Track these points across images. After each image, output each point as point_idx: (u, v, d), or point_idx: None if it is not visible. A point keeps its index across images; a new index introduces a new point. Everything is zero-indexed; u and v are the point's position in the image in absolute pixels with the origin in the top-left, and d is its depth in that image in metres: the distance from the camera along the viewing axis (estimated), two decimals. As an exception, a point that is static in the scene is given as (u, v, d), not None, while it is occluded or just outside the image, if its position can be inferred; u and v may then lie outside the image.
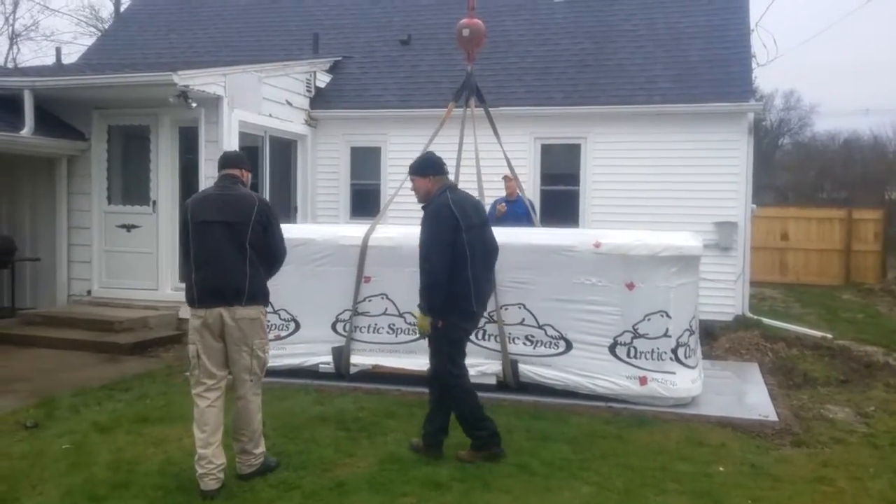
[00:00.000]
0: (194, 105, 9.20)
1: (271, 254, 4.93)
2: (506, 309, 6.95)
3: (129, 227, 10.17)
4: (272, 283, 5.04)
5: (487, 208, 9.21)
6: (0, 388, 7.14)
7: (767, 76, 30.69)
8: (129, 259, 10.12)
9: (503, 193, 9.74)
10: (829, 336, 10.07)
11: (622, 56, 11.73)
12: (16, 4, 29.05)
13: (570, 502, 4.61)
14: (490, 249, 5.42)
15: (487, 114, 8.13)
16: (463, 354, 5.30)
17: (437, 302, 5.07)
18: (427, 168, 5.31)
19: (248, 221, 4.75)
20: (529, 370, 6.89)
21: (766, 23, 42.93)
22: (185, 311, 9.21)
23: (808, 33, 50.16)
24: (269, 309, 5.77)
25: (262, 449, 4.97)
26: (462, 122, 7.95)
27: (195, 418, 4.72)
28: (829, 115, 60.06)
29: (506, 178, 9.55)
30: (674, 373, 6.61)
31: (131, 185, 10.42)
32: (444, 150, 6.25)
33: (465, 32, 7.85)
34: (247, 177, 5.10)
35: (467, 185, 7.13)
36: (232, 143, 9.65)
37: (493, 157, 8.45)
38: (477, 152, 7.88)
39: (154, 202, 10.05)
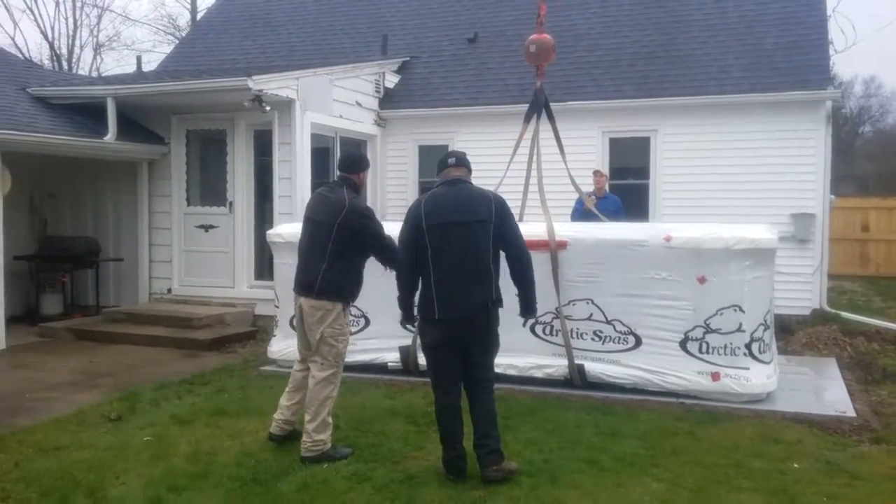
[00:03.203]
0: (268, 108, 9.45)
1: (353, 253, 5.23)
2: (574, 304, 6.92)
3: (206, 228, 10.51)
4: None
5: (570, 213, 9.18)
6: (86, 382, 7.48)
7: (846, 63, 29.63)
8: (207, 258, 10.46)
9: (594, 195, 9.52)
10: (912, 330, 9.69)
11: (693, 46, 11.50)
12: (100, 17, 30.25)
13: (640, 499, 4.56)
14: (470, 249, 4.76)
15: (555, 130, 7.87)
16: (442, 367, 4.89)
17: (400, 302, 5.02)
18: (437, 167, 5.09)
19: (333, 225, 5.14)
20: (597, 369, 6.84)
21: (843, 8, 41.25)
22: (261, 308, 9.63)
23: (888, 17, 47.94)
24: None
25: (322, 437, 5.16)
26: (533, 140, 7.79)
27: None
28: (913, 102, 57.34)
29: (596, 172, 9.48)
30: (747, 368, 6.48)
31: (209, 186, 10.77)
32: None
33: (532, 49, 7.70)
34: (362, 178, 5.47)
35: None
36: (304, 145, 9.87)
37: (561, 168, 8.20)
38: (539, 162, 7.79)
39: (231, 203, 10.35)
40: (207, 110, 10.38)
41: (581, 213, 8.94)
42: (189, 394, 6.92)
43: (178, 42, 22.64)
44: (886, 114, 39.43)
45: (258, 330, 9.61)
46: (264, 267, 9.99)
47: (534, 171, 7.80)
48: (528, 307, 4.97)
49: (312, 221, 5.32)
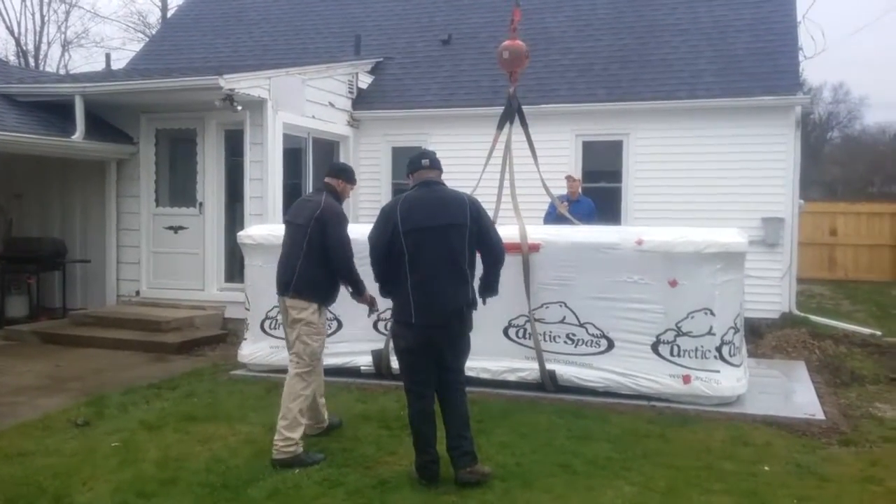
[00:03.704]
0: (239, 108, 9.36)
1: (326, 254, 5.27)
2: (547, 307, 6.93)
3: (176, 229, 10.37)
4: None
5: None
6: (52, 387, 7.35)
7: (815, 69, 30.02)
8: (176, 260, 10.33)
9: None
10: (879, 333, 9.83)
11: (665, 51, 11.60)
12: (68, 13, 29.76)
13: (612, 502, 4.57)
14: (447, 253, 4.72)
15: (528, 136, 7.83)
16: (416, 372, 4.84)
17: (380, 284, 4.94)
18: (407, 168, 5.05)
19: (308, 225, 5.28)
20: (570, 372, 6.85)
21: (813, 14, 41.90)
22: (231, 311, 9.52)
23: (856, 24, 48.84)
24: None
25: (294, 435, 5.15)
26: (506, 146, 7.77)
27: None
28: (880, 108, 58.35)
29: (569, 177, 9.50)
30: (718, 371, 6.52)
31: (178, 187, 10.64)
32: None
33: (506, 55, 7.67)
34: (344, 188, 5.65)
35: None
36: (276, 146, 9.79)
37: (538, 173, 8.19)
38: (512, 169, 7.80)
39: (200, 204, 10.23)
40: (177, 109, 10.25)
41: (553, 216, 8.97)
42: (157, 398, 6.83)
43: (148, 40, 22.33)
44: (854, 119, 40.16)
45: (228, 333, 9.51)
46: (235, 269, 9.87)
47: (507, 175, 7.79)
48: (490, 287, 4.99)
49: (292, 224, 5.48)
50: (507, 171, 7.73)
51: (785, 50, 11.06)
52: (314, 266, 5.26)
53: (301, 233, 5.30)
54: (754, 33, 11.42)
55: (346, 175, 5.72)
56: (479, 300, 4.97)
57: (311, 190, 9.16)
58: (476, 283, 4.92)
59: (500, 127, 7.86)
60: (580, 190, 9.88)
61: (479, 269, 4.97)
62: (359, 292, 5.44)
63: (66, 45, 29.51)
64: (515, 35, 7.72)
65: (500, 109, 8.05)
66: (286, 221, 5.62)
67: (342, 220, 5.38)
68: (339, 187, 5.60)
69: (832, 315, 11.23)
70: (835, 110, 39.94)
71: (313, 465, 5.10)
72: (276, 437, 5.16)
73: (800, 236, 11.04)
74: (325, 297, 5.39)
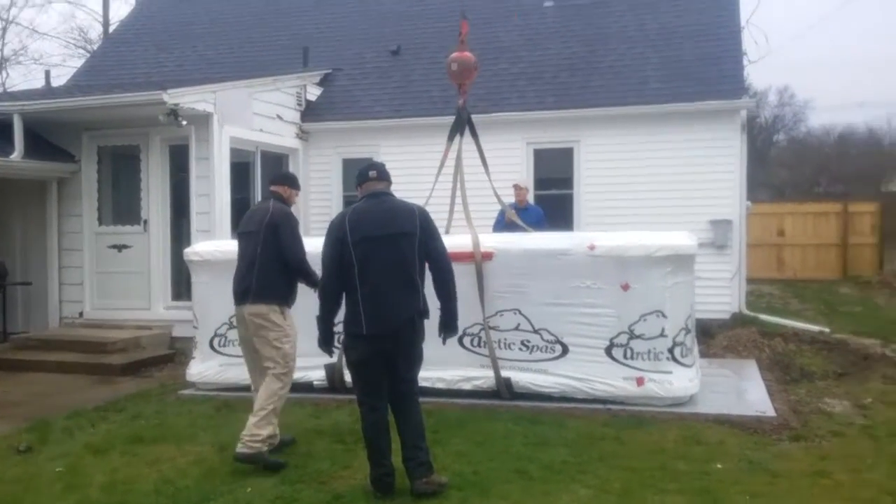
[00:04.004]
0: (184, 123, 9.19)
1: (282, 255, 5.41)
2: (501, 315, 6.91)
3: (120, 248, 10.13)
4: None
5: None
6: (-7, 412, 7.11)
7: (761, 73, 30.83)
8: (120, 280, 10.08)
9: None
10: (827, 330, 10.06)
11: (613, 58, 11.73)
12: (4, 29, 29.04)
13: (568, 506, 4.55)
14: (397, 263, 4.68)
15: (479, 147, 7.80)
16: (368, 384, 4.78)
17: (320, 322, 4.85)
18: (355, 180, 5.03)
19: (259, 231, 5.43)
20: (526, 379, 6.83)
21: (756, 20, 42.97)
22: (179, 330, 9.32)
23: (799, 29, 50.31)
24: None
25: (262, 432, 5.23)
26: (457, 158, 7.75)
27: None
28: (824, 110, 60.19)
29: (515, 185, 9.52)
30: (670, 372, 6.57)
31: (122, 205, 10.42)
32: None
33: (454, 67, 7.63)
34: (291, 195, 5.81)
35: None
36: (223, 160, 9.65)
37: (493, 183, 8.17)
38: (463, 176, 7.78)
39: (145, 221, 10.02)
40: (120, 126, 10.04)
41: (502, 225, 8.95)
42: (104, 421, 6.66)
43: (89, 55, 21.91)
44: (799, 122, 41.10)
45: (176, 353, 9.33)
46: (182, 287, 9.65)
47: (459, 186, 7.76)
48: (449, 324, 4.89)
49: (243, 235, 5.62)
50: (458, 182, 7.71)
51: (729, 55, 11.27)
52: (272, 269, 5.38)
53: (254, 240, 5.42)
54: (699, 39, 11.62)
55: (291, 181, 5.90)
56: (440, 338, 4.92)
57: (259, 203, 9.07)
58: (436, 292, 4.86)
59: (451, 139, 7.84)
60: (528, 198, 9.87)
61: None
62: (314, 284, 5.39)
63: (2, 63, 28.80)
64: (464, 46, 7.71)
65: (451, 119, 8.03)
66: (238, 234, 5.72)
67: (293, 221, 5.56)
68: (285, 193, 5.74)
69: (781, 314, 11.44)
70: (780, 113, 40.89)
71: (273, 469, 5.19)
72: (244, 432, 5.26)
73: (748, 237, 11.24)
74: (284, 298, 5.48)
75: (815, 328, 10.12)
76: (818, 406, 6.68)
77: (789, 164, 36.68)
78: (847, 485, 4.82)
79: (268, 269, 5.38)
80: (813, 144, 38.31)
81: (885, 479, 4.92)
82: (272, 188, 5.78)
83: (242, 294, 5.44)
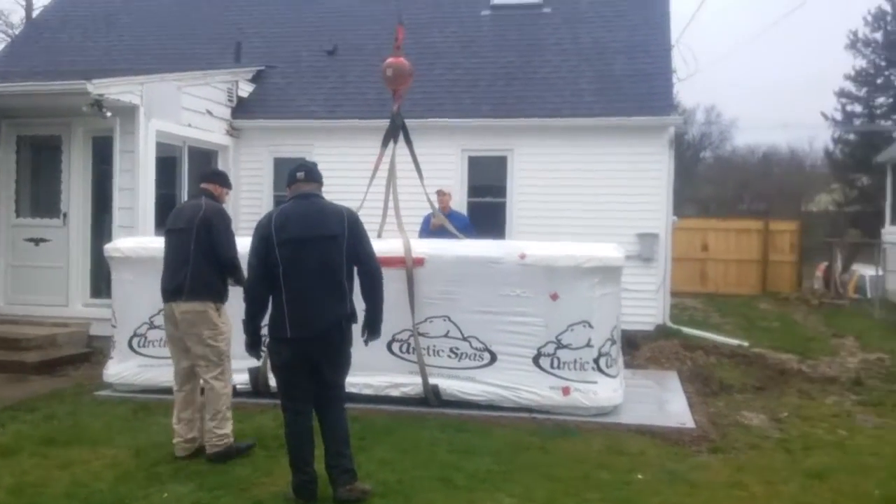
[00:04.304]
0: (109, 115, 8.86)
1: (214, 252, 5.38)
2: (431, 321, 6.89)
3: (37, 241, 9.72)
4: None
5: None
6: None
7: (689, 92, 31.58)
8: (37, 274, 9.65)
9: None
10: (746, 344, 10.34)
11: (548, 70, 11.85)
12: (-82, 10, 27.58)
13: (492, 515, 4.57)
14: (323, 265, 4.60)
15: (412, 154, 7.75)
16: (293, 388, 4.70)
17: (246, 326, 4.76)
18: (286, 180, 4.95)
19: (192, 227, 5.35)
20: (454, 387, 6.82)
21: (686, 39, 44.14)
22: (97, 328, 9.00)
23: (728, 49, 51.95)
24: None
25: (225, 431, 5.39)
26: (391, 164, 7.70)
27: None
28: (749, 130, 62.10)
29: (439, 191, 9.50)
30: (595, 382, 6.66)
31: (41, 197, 10.00)
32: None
33: (389, 73, 7.55)
34: (222, 193, 5.76)
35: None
36: (149, 154, 9.36)
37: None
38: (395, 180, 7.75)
39: (65, 214, 9.64)
40: (42, 115, 9.65)
41: (427, 231, 8.94)
42: (14, 421, 6.40)
43: (10, 41, 21.01)
44: (725, 140, 42.43)
45: (93, 352, 9.00)
46: (101, 284, 9.30)
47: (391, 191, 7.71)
48: (372, 326, 4.82)
49: (173, 232, 5.52)
50: (391, 187, 7.66)
51: (659, 72, 11.52)
52: (205, 266, 5.35)
53: (186, 236, 5.36)
54: (631, 55, 11.85)
55: (221, 179, 5.86)
56: (362, 339, 4.84)
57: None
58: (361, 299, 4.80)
59: (385, 144, 7.77)
60: (451, 204, 9.85)
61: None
62: (241, 282, 5.36)
63: (-84, 45, 27.35)
64: (400, 52, 7.66)
65: (386, 122, 7.97)
66: (166, 230, 5.63)
67: (227, 218, 5.55)
68: (216, 192, 5.70)
69: (703, 327, 11.74)
70: (707, 131, 42.12)
71: (247, 451, 5.47)
72: (207, 437, 5.38)
73: (673, 251, 11.47)
74: (220, 295, 5.47)
75: (735, 342, 10.41)
76: (736, 419, 6.85)
77: (715, 181, 37.80)
78: (762, 497, 4.95)
79: (201, 266, 5.34)
80: (738, 163, 39.66)
81: (798, 491, 5.07)
82: (203, 185, 5.71)
83: (174, 292, 5.36)
